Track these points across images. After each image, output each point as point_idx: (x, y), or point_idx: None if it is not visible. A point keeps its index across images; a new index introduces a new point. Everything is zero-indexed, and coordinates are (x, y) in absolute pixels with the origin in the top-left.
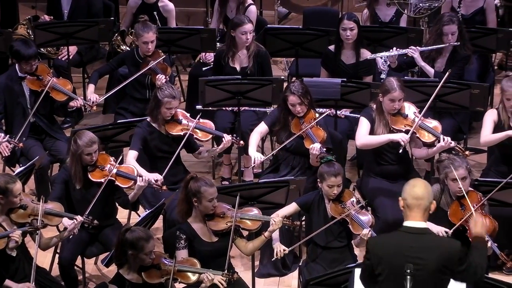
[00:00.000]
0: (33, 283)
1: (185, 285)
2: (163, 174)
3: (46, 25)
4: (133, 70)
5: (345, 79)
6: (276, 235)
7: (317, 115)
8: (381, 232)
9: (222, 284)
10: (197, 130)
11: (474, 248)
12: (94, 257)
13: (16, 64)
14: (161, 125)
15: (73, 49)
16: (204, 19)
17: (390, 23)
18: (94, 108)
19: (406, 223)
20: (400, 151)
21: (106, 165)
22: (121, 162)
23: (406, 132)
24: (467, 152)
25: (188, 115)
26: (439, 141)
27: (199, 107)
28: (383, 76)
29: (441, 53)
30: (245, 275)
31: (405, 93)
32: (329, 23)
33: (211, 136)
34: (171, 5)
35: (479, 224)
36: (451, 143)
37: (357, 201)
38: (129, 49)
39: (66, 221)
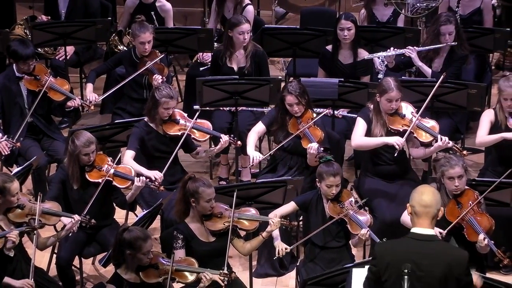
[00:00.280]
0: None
1: (183, 285)
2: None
3: (43, 25)
4: (130, 70)
5: (342, 79)
6: (276, 233)
7: (314, 115)
8: (379, 232)
9: (222, 281)
10: (194, 130)
11: None
12: (92, 257)
13: (14, 64)
14: (159, 125)
15: (70, 49)
16: (202, 19)
17: (388, 23)
18: (92, 108)
19: (414, 230)
20: (396, 154)
21: (103, 165)
22: (119, 162)
23: (404, 131)
24: (464, 152)
25: (185, 115)
26: (436, 141)
27: (196, 107)
28: (380, 76)
29: (438, 53)
30: (243, 275)
31: (402, 93)
32: (326, 23)
33: (208, 136)
34: (168, 5)
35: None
36: (448, 142)
37: (355, 201)
38: (126, 49)
39: (65, 220)
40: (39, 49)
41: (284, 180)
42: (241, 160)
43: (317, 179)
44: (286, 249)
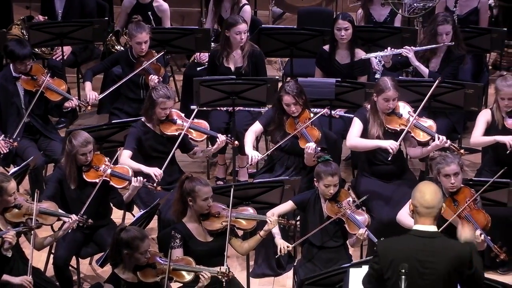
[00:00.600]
0: None
1: (181, 285)
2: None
3: (40, 25)
4: (127, 70)
5: (339, 79)
6: (277, 231)
7: (311, 115)
8: (376, 232)
9: (222, 278)
10: (191, 130)
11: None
12: (89, 258)
13: (11, 64)
14: (156, 125)
15: (67, 49)
16: (199, 19)
17: (385, 23)
18: (89, 108)
19: (416, 227)
20: (389, 158)
21: (101, 165)
22: (116, 163)
23: (401, 131)
24: (462, 151)
25: (182, 115)
26: (433, 140)
27: (193, 107)
28: (377, 76)
29: (435, 53)
30: (240, 275)
31: (399, 92)
32: (323, 23)
33: (205, 136)
34: (165, 5)
35: (467, 229)
36: (446, 142)
37: (353, 201)
38: (123, 49)
39: (66, 220)
40: (36, 49)
41: (281, 180)
42: (239, 160)
43: (315, 179)
44: (287, 247)
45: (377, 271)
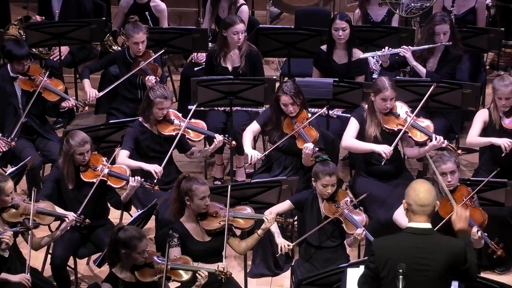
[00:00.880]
0: None
1: (179, 284)
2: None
3: (37, 26)
4: (124, 70)
5: (337, 79)
6: (276, 230)
7: (309, 115)
8: (374, 231)
9: (220, 275)
10: (189, 130)
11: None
12: (86, 258)
13: (8, 64)
14: (153, 125)
15: (65, 49)
16: (196, 19)
17: (382, 23)
18: (86, 108)
19: (411, 224)
20: (382, 163)
21: (98, 165)
22: (113, 162)
23: (398, 131)
24: (459, 151)
25: (180, 115)
26: (431, 140)
27: (191, 107)
28: (375, 75)
29: (433, 53)
30: (238, 275)
31: (396, 92)
32: (321, 23)
33: (203, 136)
34: (163, 5)
35: (462, 218)
36: (443, 142)
37: (350, 201)
38: (121, 49)
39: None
40: (33, 49)
41: (278, 180)
42: (236, 160)
43: (312, 179)
44: (288, 245)
45: (372, 270)
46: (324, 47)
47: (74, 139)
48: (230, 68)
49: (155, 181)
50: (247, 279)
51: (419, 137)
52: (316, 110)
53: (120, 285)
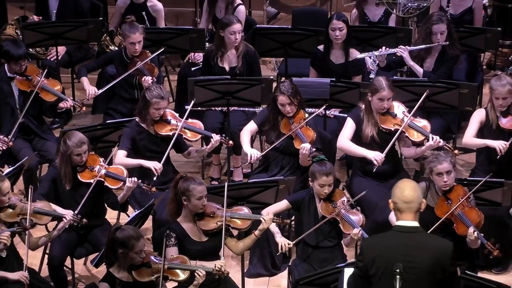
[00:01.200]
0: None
1: (176, 284)
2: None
3: (34, 26)
4: (121, 70)
5: (334, 79)
6: (276, 229)
7: (306, 115)
8: (371, 231)
9: (219, 272)
10: (186, 130)
11: None
12: (84, 258)
13: (5, 64)
14: (150, 125)
15: (62, 49)
16: (193, 19)
17: (379, 23)
18: (84, 109)
19: (399, 223)
20: (374, 170)
21: (95, 165)
22: (110, 163)
23: (395, 131)
24: (456, 151)
25: (177, 115)
26: (428, 140)
27: (188, 107)
28: (372, 75)
29: (430, 53)
30: (235, 275)
31: (394, 92)
32: (318, 23)
33: (200, 136)
34: (160, 5)
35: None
36: (440, 141)
37: (347, 201)
38: (118, 49)
39: (61, 211)
40: (30, 50)
41: (276, 180)
42: (233, 160)
43: (309, 178)
44: (288, 244)
45: (361, 269)
46: (321, 47)
47: (72, 139)
48: (227, 68)
49: (154, 178)
50: (245, 279)
51: (416, 137)
52: (313, 110)
53: (118, 285)
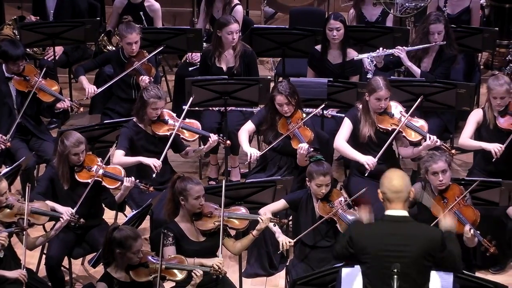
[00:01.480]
0: (24, 287)
1: (174, 284)
2: (154, 175)
3: (32, 26)
4: (118, 70)
5: (331, 79)
6: (276, 229)
7: (304, 115)
8: None
9: (215, 272)
10: (183, 130)
11: (448, 239)
12: (81, 258)
13: (3, 65)
14: (147, 125)
15: (59, 49)
16: (191, 19)
17: (376, 23)
18: (81, 109)
19: (388, 212)
20: (366, 174)
21: (93, 165)
22: (108, 163)
23: (393, 131)
24: (453, 151)
25: (174, 115)
26: (425, 140)
27: (185, 106)
28: (369, 75)
29: (427, 53)
30: (232, 275)
31: (391, 92)
32: (315, 23)
33: (197, 136)
34: (157, 5)
35: (449, 220)
36: (437, 141)
37: (344, 200)
38: (115, 49)
39: (60, 208)
40: (27, 50)
41: (273, 180)
42: (231, 160)
43: (307, 178)
44: (289, 242)
45: (350, 252)
46: (318, 47)
47: (69, 139)
48: (224, 68)
49: (154, 175)
50: (242, 279)
51: (413, 136)
52: (310, 110)
53: (115, 285)
